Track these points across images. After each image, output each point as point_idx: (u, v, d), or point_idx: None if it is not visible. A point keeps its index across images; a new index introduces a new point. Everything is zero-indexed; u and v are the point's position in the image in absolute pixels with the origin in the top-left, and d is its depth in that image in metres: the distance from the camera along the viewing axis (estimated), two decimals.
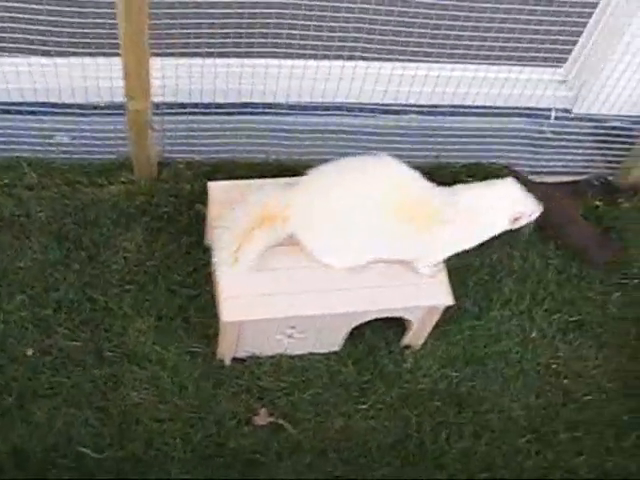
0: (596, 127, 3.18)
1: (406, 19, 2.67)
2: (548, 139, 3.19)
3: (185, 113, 2.75)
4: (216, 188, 2.55)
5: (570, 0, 2.72)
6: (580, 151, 3.16)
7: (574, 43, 3.01)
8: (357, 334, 2.62)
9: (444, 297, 2.46)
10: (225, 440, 2.45)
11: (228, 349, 2.51)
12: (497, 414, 2.62)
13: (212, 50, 2.59)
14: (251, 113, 2.83)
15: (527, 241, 2.85)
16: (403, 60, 2.89)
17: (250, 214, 2.32)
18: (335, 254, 2.42)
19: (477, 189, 2.40)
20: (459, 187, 2.40)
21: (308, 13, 2.55)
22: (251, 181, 2.57)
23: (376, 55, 2.79)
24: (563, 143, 3.16)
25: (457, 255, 2.45)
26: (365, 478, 2.47)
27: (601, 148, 3.14)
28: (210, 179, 2.61)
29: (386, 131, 2.94)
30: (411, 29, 2.73)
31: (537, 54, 2.94)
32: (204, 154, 2.82)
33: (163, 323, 2.57)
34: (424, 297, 2.46)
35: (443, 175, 2.92)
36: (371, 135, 2.94)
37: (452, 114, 3.12)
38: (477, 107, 3.12)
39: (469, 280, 2.80)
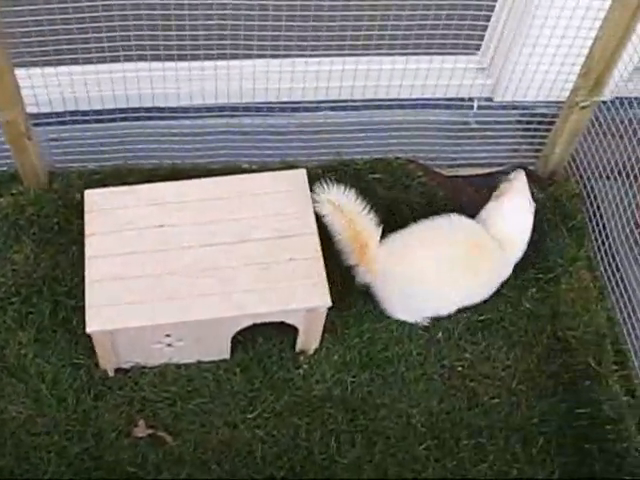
0: (520, 115, 3.04)
1: (315, 12, 2.61)
2: (471, 130, 3.06)
3: (73, 122, 2.72)
4: (93, 195, 2.52)
5: None
6: (503, 140, 3.02)
7: (484, 29, 2.88)
8: (248, 340, 2.55)
9: (319, 299, 2.37)
10: (103, 453, 2.39)
11: (106, 360, 2.45)
12: (394, 420, 2.50)
13: (92, 56, 2.56)
14: (143, 118, 2.77)
15: None
16: (316, 55, 2.81)
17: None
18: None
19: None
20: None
21: (180, 13, 2.50)
22: (125, 188, 2.55)
23: (279, 52, 2.72)
24: (487, 133, 3.03)
25: None
26: None
27: (525, 136, 3.01)
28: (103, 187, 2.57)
29: (284, 130, 2.85)
30: (321, 23, 2.66)
31: (446, 41, 2.82)
32: (96, 162, 2.77)
33: (45, 335, 2.52)
34: (298, 300, 2.37)
35: (347, 172, 2.84)
36: (270, 135, 2.85)
37: (366, 108, 3.03)
38: (394, 100, 3.02)
39: None
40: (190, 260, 2.41)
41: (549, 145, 2.85)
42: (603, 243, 2.74)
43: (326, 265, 2.43)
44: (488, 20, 2.86)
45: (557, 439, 2.51)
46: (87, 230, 2.45)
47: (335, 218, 2.45)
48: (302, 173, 2.60)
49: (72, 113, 2.71)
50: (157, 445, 2.41)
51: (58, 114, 2.71)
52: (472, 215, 2.68)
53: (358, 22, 2.72)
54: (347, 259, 2.50)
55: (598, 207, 2.79)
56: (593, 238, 2.81)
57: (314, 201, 2.46)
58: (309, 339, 2.53)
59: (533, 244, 2.74)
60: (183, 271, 2.39)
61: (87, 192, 2.52)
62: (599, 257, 2.77)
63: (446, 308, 2.62)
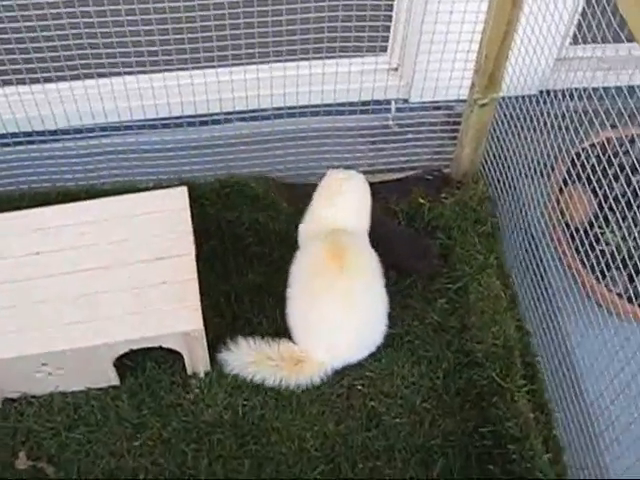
0: (436, 115, 2.89)
1: (202, 23, 2.52)
2: (390, 133, 2.93)
3: None
4: None
5: None
6: (422, 143, 2.88)
7: (386, 28, 2.74)
8: (139, 366, 2.49)
9: (190, 323, 2.29)
10: None
11: None
12: (287, 445, 2.39)
13: None
14: (29, 142, 2.71)
15: None
16: (215, 66, 2.72)
17: None
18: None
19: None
20: None
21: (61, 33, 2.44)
22: (12, 214, 2.51)
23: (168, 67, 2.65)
24: (407, 136, 2.89)
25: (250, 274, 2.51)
26: None
27: (442, 138, 2.86)
28: None
29: (180, 146, 2.77)
30: (209, 33, 2.57)
31: (349, 43, 2.67)
32: None
33: None
34: (168, 325, 2.29)
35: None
36: (166, 152, 2.77)
37: (278, 117, 2.92)
38: (307, 107, 2.90)
39: (265, 300, 2.59)
40: (62, 288, 2.36)
41: (458, 146, 2.71)
42: (514, 248, 2.57)
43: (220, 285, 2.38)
44: (390, 19, 2.72)
45: (460, 460, 2.37)
46: None
47: (260, 367, 2.42)
48: (183, 191, 2.51)
49: None
50: (39, 477, 2.36)
51: None
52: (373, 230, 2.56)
53: (250, 29, 2.61)
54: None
55: (510, 210, 2.62)
56: (505, 243, 2.64)
57: (225, 365, 2.44)
58: (196, 363, 2.44)
59: (440, 254, 2.60)
60: (55, 299, 2.34)
61: None
62: (509, 263, 2.60)
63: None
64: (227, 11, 2.47)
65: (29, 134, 2.69)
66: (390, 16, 2.71)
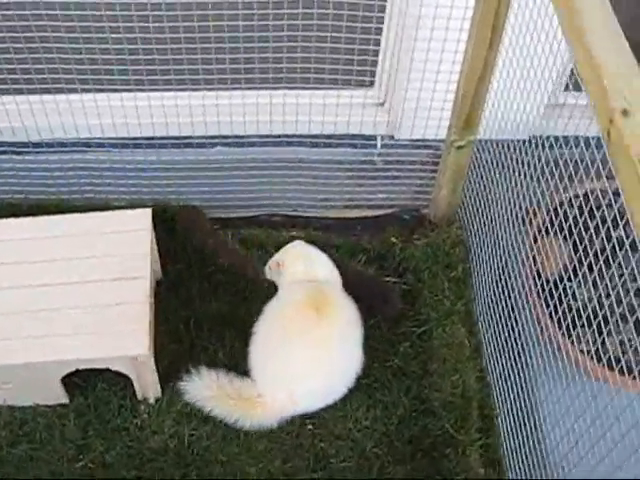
0: (419, 154, 2.83)
1: (187, 45, 2.51)
2: (373, 169, 2.88)
3: None
4: None
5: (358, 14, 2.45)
6: (403, 181, 2.83)
7: (374, 63, 2.70)
8: (90, 385, 2.45)
9: (136, 347, 2.25)
10: None
11: None
12: (229, 479, 2.34)
13: None
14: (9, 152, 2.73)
15: None
16: (202, 89, 2.71)
17: None
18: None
19: None
20: None
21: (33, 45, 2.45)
22: None
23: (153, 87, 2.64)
24: (388, 173, 2.84)
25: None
26: None
27: (423, 177, 2.80)
28: None
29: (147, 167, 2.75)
30: (195, 55, 2.56)
31: (337, 76, 2.64)
32: None
33: None
34: (115, 347, 2.25)
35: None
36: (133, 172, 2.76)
37: (264, 145, 2.89)
38: (293, 137, 2.86)
39: (226, 330, 2.55)
40: (13, 302, 2.33)
41: (436, 187, 2.64)
42: (484, 295, 2.50)
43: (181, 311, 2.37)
44: (377, 54, 2.68)
45: None
46: None
47: (219, 402, 2.35)
48: (147, 213, 2.49)
49: None
50: None
51: None
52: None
53: (236, 54, 2.59)
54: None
55: (484, 256, 2.55)
56: (474, 290, 2.57)
57: (184, 393, 2.38)
58: (145, 388, 2.40)
59: (409, 295, 2.54)
60: (4, 313, 2.31)
61: None
62: (477, 311, 2.53)
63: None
64: (213, 34, 2.46)
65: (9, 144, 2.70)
66: (377, 51, 2.67)
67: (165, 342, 2.51)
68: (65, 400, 2.43)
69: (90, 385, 2.46)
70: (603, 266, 1.92)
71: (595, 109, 1.40)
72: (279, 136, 2.87)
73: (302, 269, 2.45)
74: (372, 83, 2.79)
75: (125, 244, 2.42)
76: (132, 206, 2.62)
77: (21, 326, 2.28)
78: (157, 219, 2.61)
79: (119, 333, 2.26)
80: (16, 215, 2.57)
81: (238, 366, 2.43)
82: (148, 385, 2.39)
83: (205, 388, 2.36)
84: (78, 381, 2.44)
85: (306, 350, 2.30)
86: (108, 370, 2.34)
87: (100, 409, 2.43)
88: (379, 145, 2.88)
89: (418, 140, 2.81)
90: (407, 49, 2.56)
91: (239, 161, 2.87)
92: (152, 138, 2.80)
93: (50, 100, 2.60)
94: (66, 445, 2.38)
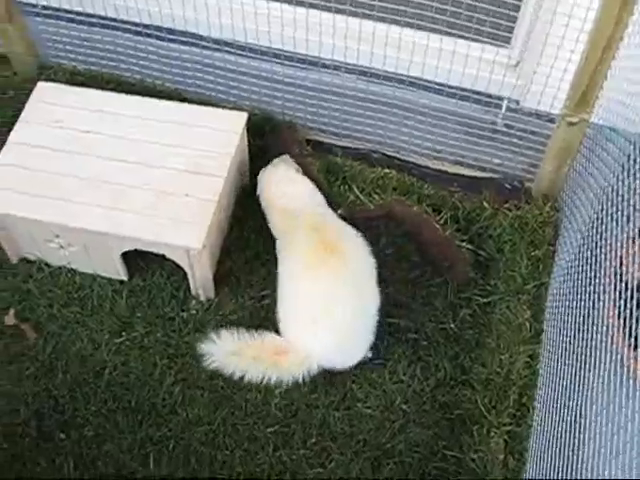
0: (542, 126, 2.65)
1: None
2: (489, 130, 2.73)
3: (67, 20, 2.77)
4: (43, 87, 2.57)
5: None
6: (517, 150, 2.67)
7: (513, 19, 2.53)
8: (150, 270, 2.51)
9: (190, 240, 2.26)
10: None
11: (7, 246, 2.50)
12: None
13: None
14: (136, 33, 2.76)
15: None
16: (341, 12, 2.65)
17: None
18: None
19: None
20: None
21: None
22: (76, 89, 2.59)
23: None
24: (506, 139, 2.69)
25: None
26: None
27: (539, 150, 2.62)
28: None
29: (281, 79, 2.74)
30: None
31: (471, 24, 2.51)
32: (85, 64, 2.83)
33: None
34: (170, 235, 2.28)
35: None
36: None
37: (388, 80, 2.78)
38: (416, 79, 2.74)
39: None
40: (96, 169, 2.40)
41: (543, 163, 2.48)
42: (557, 283, 2.34)
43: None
44: (517, 10, 2.52)
45: (411, 474, 2.22)
46: (21, 117, 2.50)
47: (241, 358, 2.25)
48: (242, 116, 2.48)
49: (67, 11, 2.75)
50: (19, 337, 2.43)
51: (54, 9, 2.76)
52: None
53: None
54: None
55: (568, 244, 2.38)
56: (552, 274, 2.42)
57: (208, 357, 2.27)
58: (199, 284, 2.42)
59: (482, 263, 2.43)
60: (85, 178, 2.38)
61: (40, 84, 2.58)
62: (548, 297, 2.38)
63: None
64: None
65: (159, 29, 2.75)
66: (518, 7, 2.51)
67: (232, 248, 2.53)
68: (124, 277, 2.50)
69: (151, 270, 2.51)
70: None
71: None
72: (403, 75, 2.77)
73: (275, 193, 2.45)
74: (508, 40, 2.63)
75: (213, 141, 2.43)
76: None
77: (95, 194, 2.34)
78: (257, 130, 2.65)
79: (179, 223, 2.28)
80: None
81: None
82: (202, 283, 2.41)
83: (226, 345, 2.26)
84: (141, 264, 2.50)
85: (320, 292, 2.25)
86: (167, 259, 2.37)
87: (153, 293, 2.48)
88: (504, 107, 2.73)
89: (543, 110, 2.64)
90: (547, 11, 2.38)
91: (359, 90, 2.80)
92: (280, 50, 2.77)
93: None
94: (112, 319, 2.45)
